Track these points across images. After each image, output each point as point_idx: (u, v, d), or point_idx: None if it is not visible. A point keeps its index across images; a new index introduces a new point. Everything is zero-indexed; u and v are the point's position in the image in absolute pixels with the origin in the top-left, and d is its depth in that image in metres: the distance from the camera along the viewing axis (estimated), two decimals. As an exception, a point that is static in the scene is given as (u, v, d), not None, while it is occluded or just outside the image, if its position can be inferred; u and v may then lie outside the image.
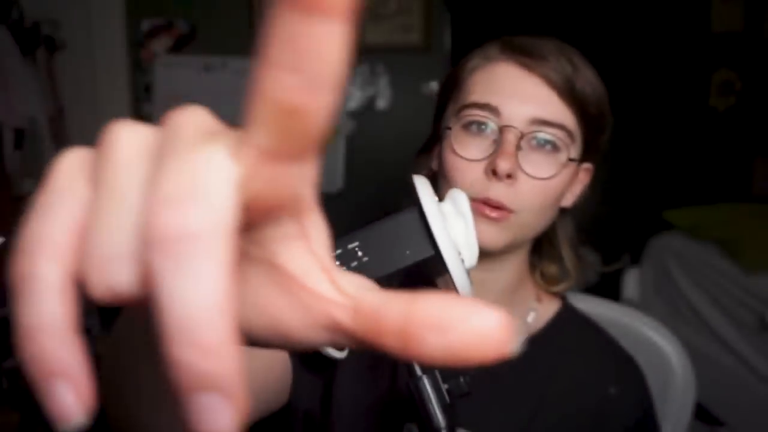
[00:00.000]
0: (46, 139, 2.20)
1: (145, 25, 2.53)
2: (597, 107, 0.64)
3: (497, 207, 0.60)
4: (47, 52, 2.28)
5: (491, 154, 0.61)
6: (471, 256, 0.51)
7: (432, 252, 0.49)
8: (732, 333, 1.97)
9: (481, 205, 0.61)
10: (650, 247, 2.42)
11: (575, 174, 0.67)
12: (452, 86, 0.69)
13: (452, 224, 0.50)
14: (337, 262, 0.48)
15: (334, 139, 2.56)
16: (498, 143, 0.61)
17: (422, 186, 0.51)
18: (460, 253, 0.49)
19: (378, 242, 0.49)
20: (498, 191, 0.60)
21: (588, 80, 0.64)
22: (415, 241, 0.49)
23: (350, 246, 0.49)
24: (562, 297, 0.75)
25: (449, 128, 0.64)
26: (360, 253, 0.48)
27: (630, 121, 2.76)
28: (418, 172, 0.73)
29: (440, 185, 0.66)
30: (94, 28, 2.45)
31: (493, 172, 0.59)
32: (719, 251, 2.09)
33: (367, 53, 2.55)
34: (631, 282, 2.47)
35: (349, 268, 0.48)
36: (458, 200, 0.53)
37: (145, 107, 2.55)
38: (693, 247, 2.22)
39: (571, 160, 0.62)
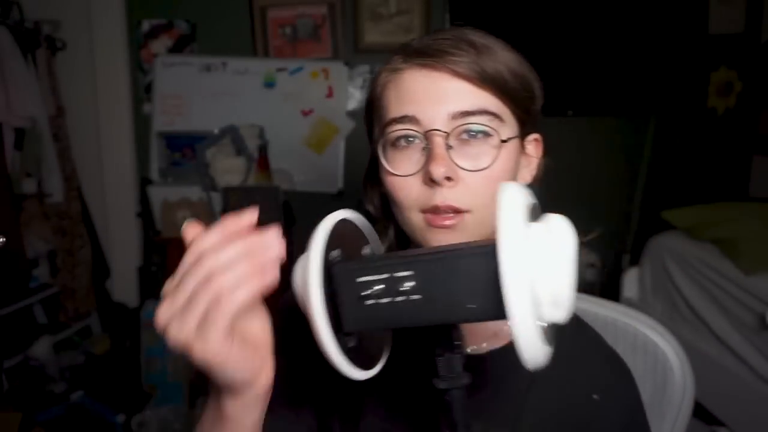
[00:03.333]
0: (46, 139, 2.20)
1: (145, 25, 2.53)
2: (516, 78, 0.61)
3: (450, 212, 0.58)
4: (48, 52, 2.28)
5: (425, 164, 0.58)
6: (557, 312, 0.37)
7: (503, 316, 0.36)
8: (731, 333, 1.97)
9: (433, 217, 0.58)
10: (649, 246, 2.42)
11: (521, 150, 0.64)
12: (371, 108, 0.67)
13: (541, 266, 0.36)
14: (379, 287, 0.40)
15: (334, 140, 2.56)
16: (427, 150, 0.58)
17: (509, 211, 0.36)
18: (540, 315, 0.36)
19: (437, 281, 0.39)
20: (443, 195, 0.57)
21: (496, 56, 0.60)
22: (484, 295, 0.37)
23: (400, 274, 0.39)
24: None
25: (380, 150, 0.63)
26: (410, 287, 0.39)
27: (628, 121, 2.77)
28: (369, 203, 0.71)
29: (392, 209, 0.65)
30: (95, 28, 2.45)
31: (431, 180, 0.57)
32: (718, 251, 2.09)
33: (367, 53, 2.55)
34: (630, 282, 2.48)
35: (393, 302, 0.40)
36: (556, 228, 0.38)
37: (145, 107, 2.55)
38: (692, 246, 2.22)
39: (504, 141, 0.59)
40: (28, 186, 2.15)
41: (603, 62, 2.66)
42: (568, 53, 2.64)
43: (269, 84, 2.52)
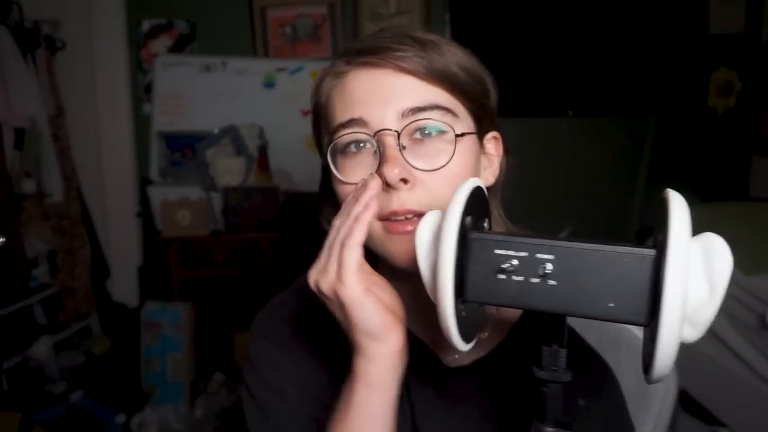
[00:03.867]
0: (46, 139, 2.20)
1: (145, 25, 2.53)
2: (466, 72, 0.57)
3: (410, 215, 0.54)
4: (47, 52, 2.28)
5: (378, 168, 0.54)
6: (693, 332, 0.37)
7: (645, 323, 0.37)
8: (731, 333, 1.97)
9: (392, 224, 0.55)
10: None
11: (480, 148, 0.61)
12: (318, 118, 0.63)
13: (691, 284, 0.36)
14: (515, 264, 0.39)
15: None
16: (379, 153, 0.54)
17: (681, 222, 0.35)
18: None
19: (580, 272, 0.38)
20: (400, 199, 0.54)
21: (443, 51, 0.56)
22: (630, 296, 0.37)
23: (541, 255, 0.38)
24: None
25: (329, 160, 0.58)
26: (549, 271, 0.38)
27: (628, 120, 2.77)
28: (326, 223, 0.65)
29: None
30: (94, 28, 2.45)
31: (386, 184, 0.53)
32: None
33: (366, 53, 2.56)
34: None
35: (525, 282, 0.39)
36: (717, 250, 0.37)
37: (145, 107, 2.55)
38: (692, 247, 2.22)
39: (459, 135, 0.55)
40: (28, 186, 2.15)
41: (603, 62, 2.66)
42: (569, 53, 2.64)
43: (269, 84, 2.52)
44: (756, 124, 2.80)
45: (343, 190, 0.57)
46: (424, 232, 0.46)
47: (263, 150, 2.45)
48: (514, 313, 0.66)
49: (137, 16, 2.51)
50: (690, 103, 2.78)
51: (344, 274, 0.49)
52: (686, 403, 1.94)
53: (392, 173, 0.52)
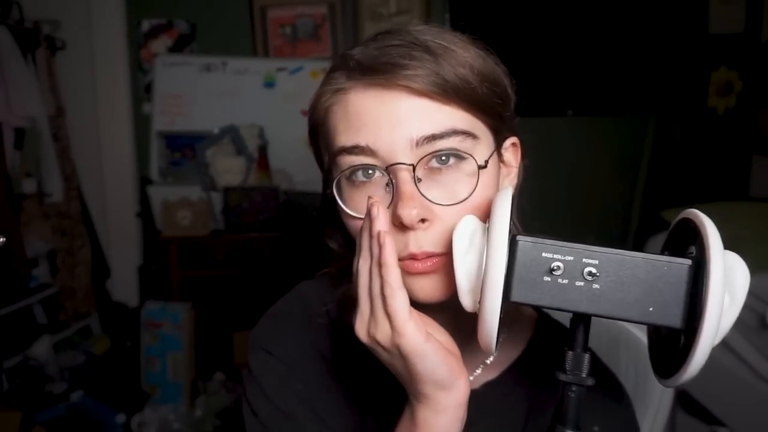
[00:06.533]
0: (46, 139, 2.20)
1: (145, 24, 2.53)
2: (484, 81, 0.51)
3: (431, 256, 0.50)
4: (47, 52, 2.28)
5: (391, 202, 0.49)
6: (716, 339, 0.40)
7: (682, 327, 0.40)
8: (731, 333, 1.98)
9: (412, 263, 0.50)
10: (649, 246, 2.42)
11: (500, 163, 0.56)
12: (317, 133, 0.58)
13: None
14: (557, 265, 0.40)
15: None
16: (392, 187, 0.49)
17: (715, 236, 0.40)
18: None
19: (621, 276, 0.40)
20: (420, 242, 0.49)
21: (457, 58, 0.50)
22: (669, 301, 0.40)
23: (586, 260, 0.40)
24: (538, 311, 0.65)
25: (334, 186, 0.53)
26: (592, 275, 0.40)
27: (627, 121, 2.77)
28: (330, 240, 0.63)
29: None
30: (95, 28, 2.45)
31: (401, 224, 0.48)
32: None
33: (366, 53, 2.55)
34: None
35: (570, 284, 0.41)
36: (734, 267, 0.42)
37: (145, 107, 2.56)
38: (692, 246, 2.22)
39: (481, 166, 0.50)
40: (28, 186, 2.15)
41: (603, 62, 2.66)
42: (569, 53, 2.64)
43: (269, 84, 2.52)
44: (756, 124, 2.80)
45: (352, 224, 0.53)
46: (462, 239, 0.45)
47: (263, 150, 2.45)
48: (529, 328, 0.65)
49: (137, 16, 2.51)
50: (690, 103, 2.78)
51: (399, 324, 0.45)
52: (686, 403, 1.94)
53: (410, 215, 0.47)
